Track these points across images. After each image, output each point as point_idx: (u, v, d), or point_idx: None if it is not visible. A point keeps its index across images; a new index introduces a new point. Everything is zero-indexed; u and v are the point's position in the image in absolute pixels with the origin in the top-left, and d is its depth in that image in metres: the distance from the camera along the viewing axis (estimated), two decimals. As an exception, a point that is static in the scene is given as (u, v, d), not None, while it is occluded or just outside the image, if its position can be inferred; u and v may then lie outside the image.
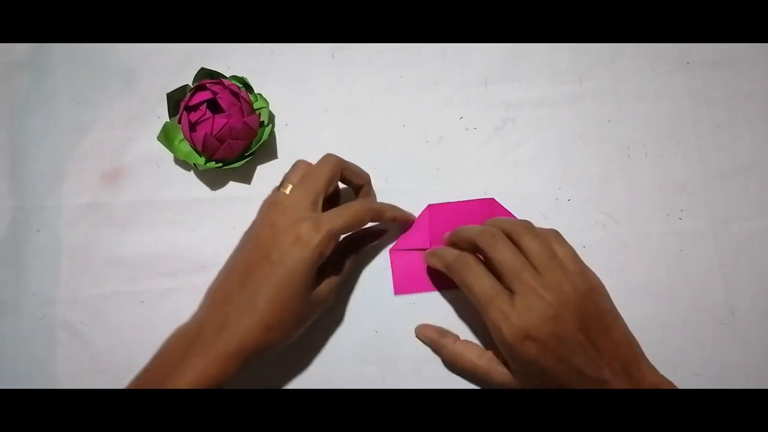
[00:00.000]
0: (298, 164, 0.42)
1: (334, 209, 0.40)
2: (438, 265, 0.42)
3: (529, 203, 0.46)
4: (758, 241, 0.45)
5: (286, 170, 0.48)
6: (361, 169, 0.44)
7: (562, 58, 0.49)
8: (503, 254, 0.37)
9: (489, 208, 0.46)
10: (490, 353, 0.41)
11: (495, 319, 0.36)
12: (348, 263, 0.43)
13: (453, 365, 0.43)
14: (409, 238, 0.46)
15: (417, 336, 0.44)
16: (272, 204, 0.40)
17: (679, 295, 0.45)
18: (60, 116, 0.49)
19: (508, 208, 0.46)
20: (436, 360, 0.44)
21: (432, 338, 0.43)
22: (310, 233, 0.37)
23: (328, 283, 0.40)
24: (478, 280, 0.38)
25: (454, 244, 0.42)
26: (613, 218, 0.46)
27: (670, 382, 0.37)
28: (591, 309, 0.36)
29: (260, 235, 0.39)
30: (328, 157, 0.42)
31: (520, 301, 0.36)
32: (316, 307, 0.40)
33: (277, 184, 0.42)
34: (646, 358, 0.38)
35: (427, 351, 0.45)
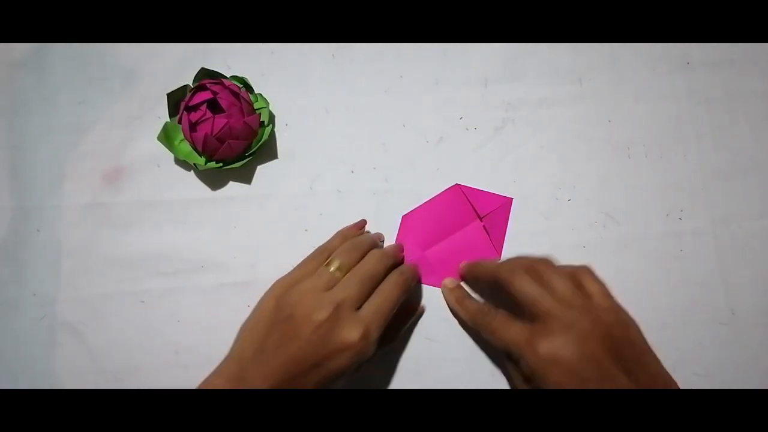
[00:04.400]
0: (352, 242, 0.41)
1: (378, 302, 0.38)
2: (462, 314, 0.43)
3: (529, 203, 0.46)
4: (758, 241, 0.45)
5: (286, 170, 0.48)
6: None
7: (562, 58, 0.49)
8: (523, 284, 0.37)
9: (458, 195, 0.46)
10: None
11: (518, 346, 0.35)
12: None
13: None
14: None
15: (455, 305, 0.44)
16: (327, 282, 0.38)
17: (679, 295, 0.45)
18: (60, 116, 0.49)
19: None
20: (436, 360, 0.44)
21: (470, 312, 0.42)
22: (362, 343, 0.36)
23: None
24: (504, 325, 0.38)
25: (473, 279, 0.42)
26: (613, 218, 0.46)
27: None
28: (621, 338, 0.35)
29: (317, 317, 0.36)
30: (399, 275, 0.40)
31: (542, 327, 0.35)
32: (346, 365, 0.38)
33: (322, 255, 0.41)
34: None
35: (427, 351, 0.45)
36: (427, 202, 0.46)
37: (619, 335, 0.35)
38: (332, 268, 0.38)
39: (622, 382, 0.33)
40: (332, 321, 0.35)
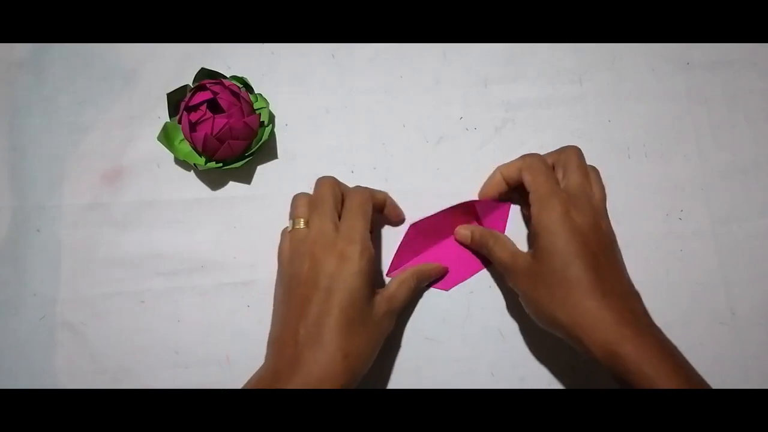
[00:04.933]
0: (298, 198, 0.42)
1: (345, 216, 0.40)
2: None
3: (529, 203, 0.46)
4: (758, 241, 0.45)
5: (286, 170, 0.48)
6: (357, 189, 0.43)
7: (562, 58, 0.49)
8: (536, 175, 0.41)
9: (471, 209, 0.45)
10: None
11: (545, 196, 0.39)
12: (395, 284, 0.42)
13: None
14: (400, 259, 0.45)
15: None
16: (298, 241, 0.40)
17: (679, 295, 0.45)
18: (60, 116, 0.49)
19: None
20: (436, 360, 0.44)
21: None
22: (349, 248, 0.37)
23: (380, 303, 0.39)
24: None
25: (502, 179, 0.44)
26: (614, 218, 0.46)
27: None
28: (605, 243, 0.39)
29: (300, 271, 0.38)
30: (323, 179, 0.42)
31: (546, 204, 0.38)
32: (380, 326, 0.39)
33: (289, 222, 0.42)
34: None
35: (427, 351, 0.45)
36: (439, 212, 0.45)
37: (606, 241, 0.39)
38: (296, 225, 0.40)
39: (605, 272, 0.37)
40: (314, 263, 0.38)
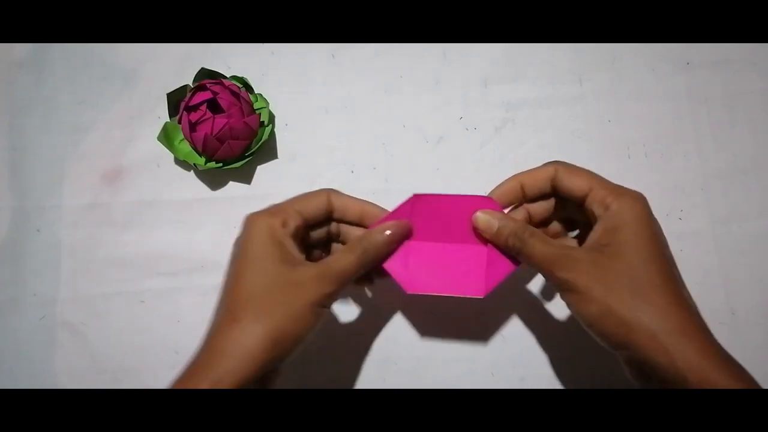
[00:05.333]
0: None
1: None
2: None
3: (529, 203, 0.46)
4: (758, 241, 0.45)
5: (286, 170, 0.48)
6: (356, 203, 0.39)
7: (562, 58, 0.49)
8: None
9: (485, 207, 0.37)
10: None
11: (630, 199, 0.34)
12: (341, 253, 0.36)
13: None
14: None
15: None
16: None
17: (679, 295, 0.45)
18: (60, 116, 0.49)
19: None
20: (436, 360, 0.44)
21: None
22: (262, 210, 0.36)
23: (306, 269, 0.35)
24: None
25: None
26: (613, 218, 0.46)
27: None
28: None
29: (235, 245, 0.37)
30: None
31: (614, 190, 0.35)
32: (304, 292, 0.34)
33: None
34: None
35: (427, 351, 0.45)
36: (450, 195, 0.38)
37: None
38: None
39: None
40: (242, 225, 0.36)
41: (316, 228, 0.39)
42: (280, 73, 0.50)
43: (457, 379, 0.44)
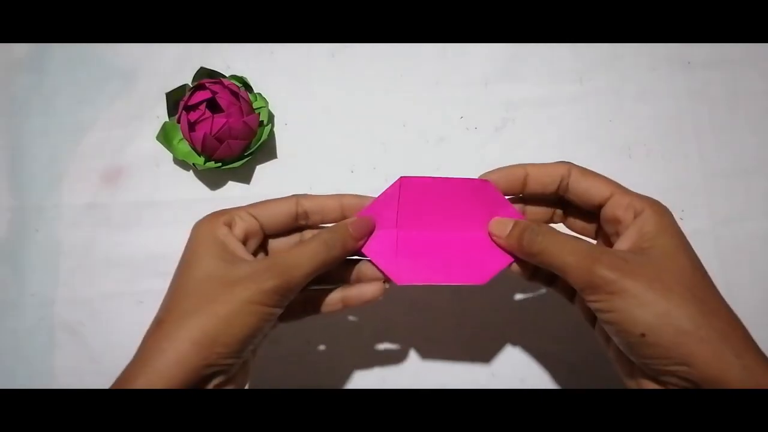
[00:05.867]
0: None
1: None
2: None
3: (530, 203, 0.46)
4: (759, 241, 0.45)
5: (286, 170, 0.48)
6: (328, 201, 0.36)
7: (562, 58, 0.49)
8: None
9: (480, 191, 0.35)
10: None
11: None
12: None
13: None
14: (374, 217, 0.35)
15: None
16: None
17: (679, 296, 0.45)
18: (60, 116, 0.49)
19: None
20: (436, 360, 0.44)
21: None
22: (209, 214, 0.34)
23: (255, 259, 0.33)
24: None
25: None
26: (614, 218, 0.46)
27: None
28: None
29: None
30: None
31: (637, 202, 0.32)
32: (242, 282, 0.30)
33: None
34: None
35: (427, 351, 0.44)
36: (440, 178, 0.35)
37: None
38: None
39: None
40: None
41: (282, 236, 0.36)
42: (280, 73, 0.49)
43: (457, 379, 0.44)
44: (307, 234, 0.36)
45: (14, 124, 0.49)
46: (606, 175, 0.47)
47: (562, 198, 0.35)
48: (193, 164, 0.46)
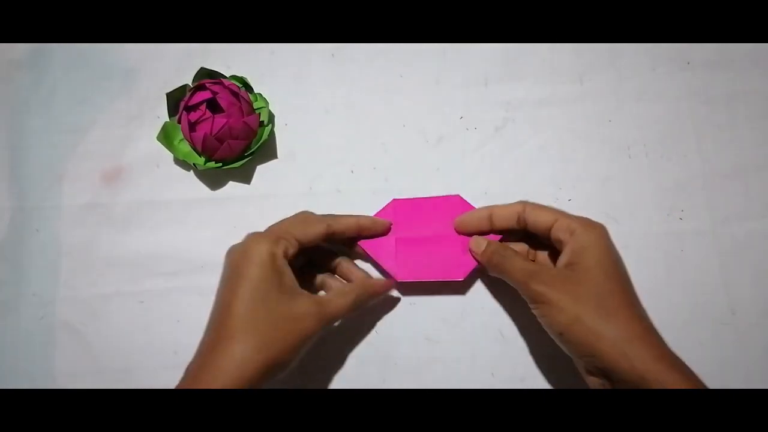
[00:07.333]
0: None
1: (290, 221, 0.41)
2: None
3: (529, 203, 0.46)
4: (759, 241, 0.45)
5: (286, 170, 0.48)
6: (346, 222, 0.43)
7: (562, 58, 0.49)
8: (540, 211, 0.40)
9: (454, 204, 0.44)
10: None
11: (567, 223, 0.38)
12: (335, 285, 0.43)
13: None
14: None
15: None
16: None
17: (679, 295, 0.45)
18: (60, 116, 0.49)
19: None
20: (436, 360, 0.44)
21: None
22: (263, 234, 0.38)
23: (304, 302, 0.38)
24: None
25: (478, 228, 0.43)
26: (614, 218, 0.46)
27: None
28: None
29: (224, 268, 0.39)
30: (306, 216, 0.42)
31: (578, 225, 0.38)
32: (300, 325, 0.37)
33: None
34: None
35: (427, 351, 0.44)
36: (423, 198, 0.45)
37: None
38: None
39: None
40: (231, 255, 0.38)
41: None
42: (280, 73, 0.49)
43: (457, 379, 0.44)
44: (344, 265, 0.45)
45: (14, 124, 0.49)
46: (606, 175, 0.47)
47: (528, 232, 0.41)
48: (194, 164, 0.46)
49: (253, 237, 0.38)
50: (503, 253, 0.40)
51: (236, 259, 0.38)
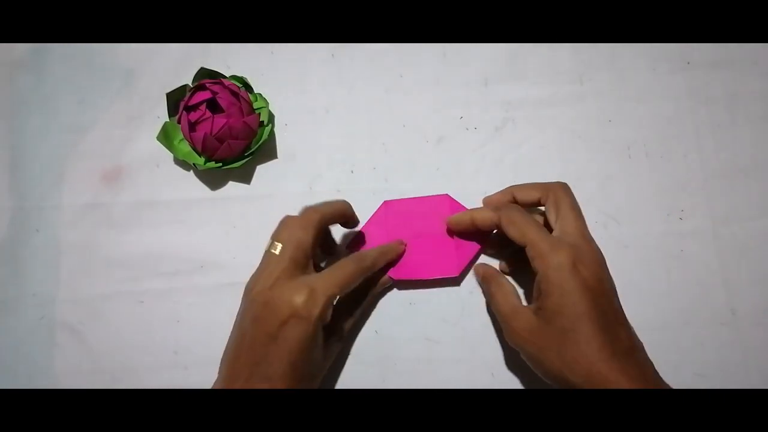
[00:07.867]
0: (285, 221, 0.40)
1: (328, 271, 0.39)
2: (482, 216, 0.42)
3: (529, 203, 0.46)
4: (759, 241, 0.45)
5: (286, 170, 0.48)
6: (341, 207, 0.43)
7: (562, 58, 0.49)
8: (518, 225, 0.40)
9: (444, 204, 0.45)
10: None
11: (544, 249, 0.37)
12: (349, 321, 0.43)
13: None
14: (368, 233, 0.46)
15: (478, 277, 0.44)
16: (267, 264, 0.38)
17: (679, 295, 0.45)
18: (60, 116, 0.49)
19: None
20: (436, 360, 0.44)
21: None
22: (308, 305, 0.36)
23: (334, 342, 0.42)
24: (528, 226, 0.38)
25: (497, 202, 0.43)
26: (614, 218, 0.46)
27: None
28: (613, 295, 0.38)
29: (257, 308, 0.37)
30: (308, 213, 0.40)
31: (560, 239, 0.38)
32: (328, 361, 0.42)
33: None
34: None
35: (427, 351, 0.44)
36: (413, 198, 0.46)
37: (610, 294, 0.37)
38: (271, 249, 0.38)
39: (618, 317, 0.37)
40: (274, 290, 0.37)
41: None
42: (280, 73, 0.49)
43: (457, 379, 0.44)
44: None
45: (14, 124, 0.49)
46: (606, 175, 0.47)
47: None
48: (194, 164, 0.46)
49: (303, 301, 0.36)
50: (489, 285, 0.41)
51: (282, 315, 0.36)
